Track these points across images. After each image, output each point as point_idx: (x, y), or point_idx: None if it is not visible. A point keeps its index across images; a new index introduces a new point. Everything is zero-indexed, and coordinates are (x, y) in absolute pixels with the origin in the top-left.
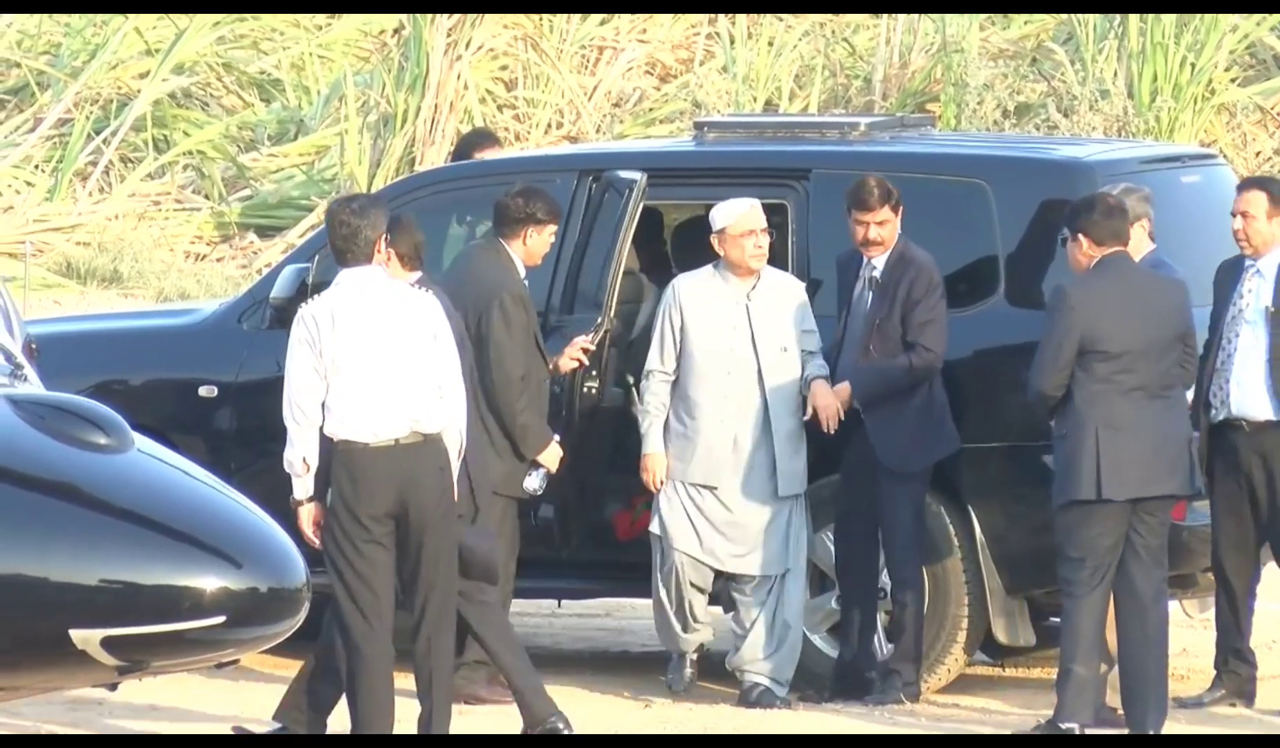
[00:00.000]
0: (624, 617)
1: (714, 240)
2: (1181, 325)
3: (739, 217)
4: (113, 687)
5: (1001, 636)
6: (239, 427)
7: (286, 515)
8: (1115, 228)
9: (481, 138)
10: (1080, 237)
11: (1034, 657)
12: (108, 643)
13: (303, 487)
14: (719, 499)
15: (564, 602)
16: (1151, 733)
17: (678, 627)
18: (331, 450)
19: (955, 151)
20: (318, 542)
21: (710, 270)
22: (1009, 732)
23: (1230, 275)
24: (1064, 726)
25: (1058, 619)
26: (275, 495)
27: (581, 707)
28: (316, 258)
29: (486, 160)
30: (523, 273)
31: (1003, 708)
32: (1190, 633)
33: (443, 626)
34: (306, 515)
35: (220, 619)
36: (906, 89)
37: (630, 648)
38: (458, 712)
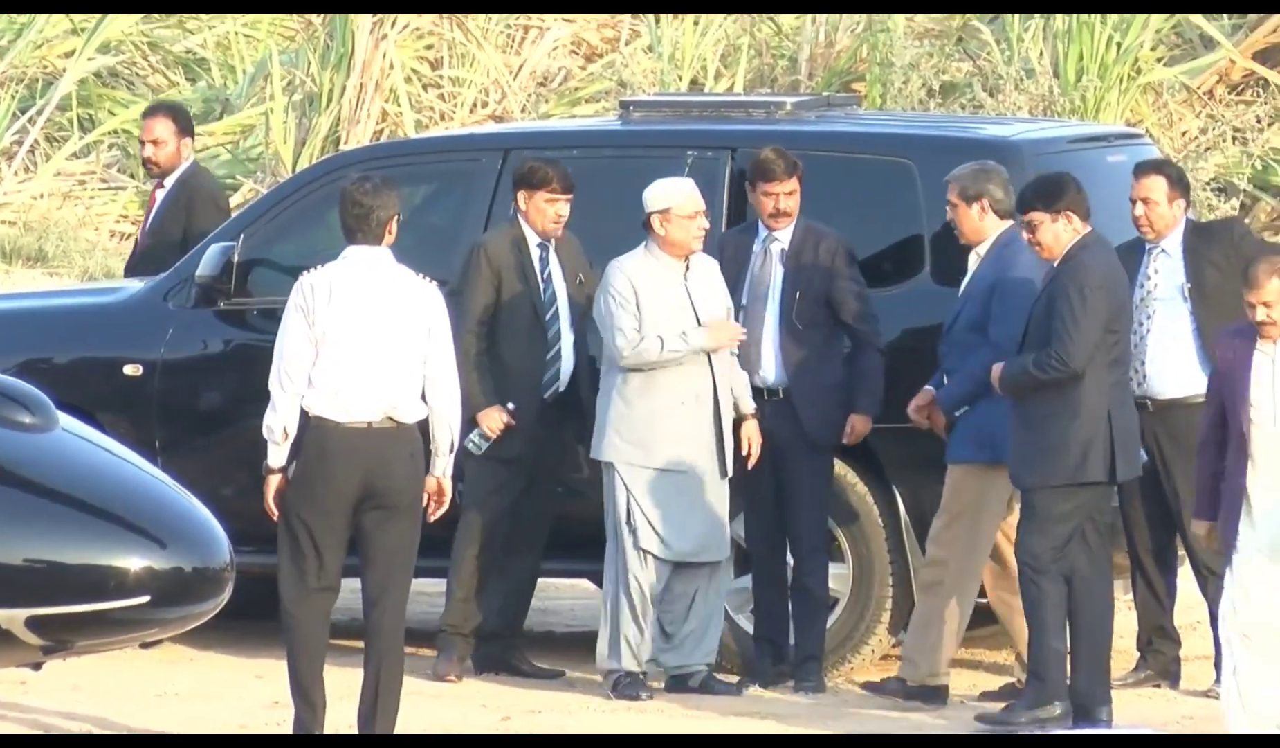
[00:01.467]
0: (548, 596)
1: (655, 220)
2: None
3: (686, 196)
4: (37, 667)
5: None
6: (164, 405)
7: (210, 495)
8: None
9: (152, 109)
10: (1070, 216)
11: (989, 637)
12: (32, 623)
13: (278, 455)
14: (681, 485)
15: None
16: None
17: (638, 636)
18: (305, 422)
19: (881, 130)
20: (276, 514)
21: (643, 252)
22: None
23: (1131, 257)
24: (1053, 707)
25: (985, 600)
26: (201, 475)
27: (563, 695)
28: (242, 236)
29: (414, 139)
30: (535, 241)
31: (957, 691)
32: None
33: (396, 609)
34: (275, 484)
35: (145, 599)
36: (832, 68)
37: (555, 628)
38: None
